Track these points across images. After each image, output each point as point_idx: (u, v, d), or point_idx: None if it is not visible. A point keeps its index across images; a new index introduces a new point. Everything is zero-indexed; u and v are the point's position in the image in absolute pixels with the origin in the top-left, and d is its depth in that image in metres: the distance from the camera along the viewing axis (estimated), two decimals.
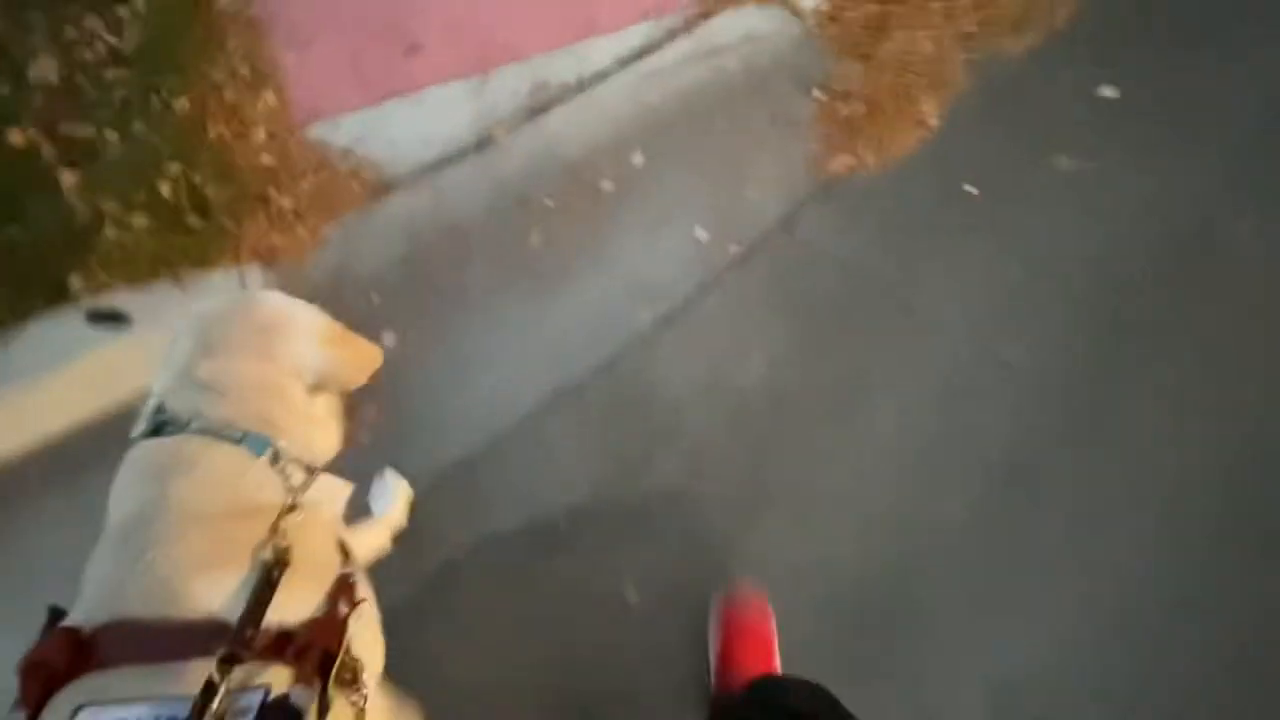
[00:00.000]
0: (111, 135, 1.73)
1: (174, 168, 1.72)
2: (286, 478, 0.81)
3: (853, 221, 1.80)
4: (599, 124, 1.92)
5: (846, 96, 1.91)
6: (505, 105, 1.95)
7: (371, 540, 1.27)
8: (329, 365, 0.91)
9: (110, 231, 1.65)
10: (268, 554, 0.72)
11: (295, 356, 0.88)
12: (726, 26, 2.06)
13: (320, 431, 0.91)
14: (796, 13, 2.07)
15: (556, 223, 1.80)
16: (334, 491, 0.90)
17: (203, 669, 0.60)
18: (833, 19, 2.05)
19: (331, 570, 0.81)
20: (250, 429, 0.81)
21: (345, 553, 0.87)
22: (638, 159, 1.90)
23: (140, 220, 1.67)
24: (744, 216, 1.79)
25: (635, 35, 2.06)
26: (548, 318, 1.71)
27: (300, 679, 0.67)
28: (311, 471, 0.85)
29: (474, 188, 1.85)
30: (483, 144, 1.91)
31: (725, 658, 1.33)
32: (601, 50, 2.04)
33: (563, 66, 2.01)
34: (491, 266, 1.76)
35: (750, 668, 1.30)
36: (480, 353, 1.68)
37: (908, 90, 1.92)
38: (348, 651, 0.73)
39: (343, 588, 0.79)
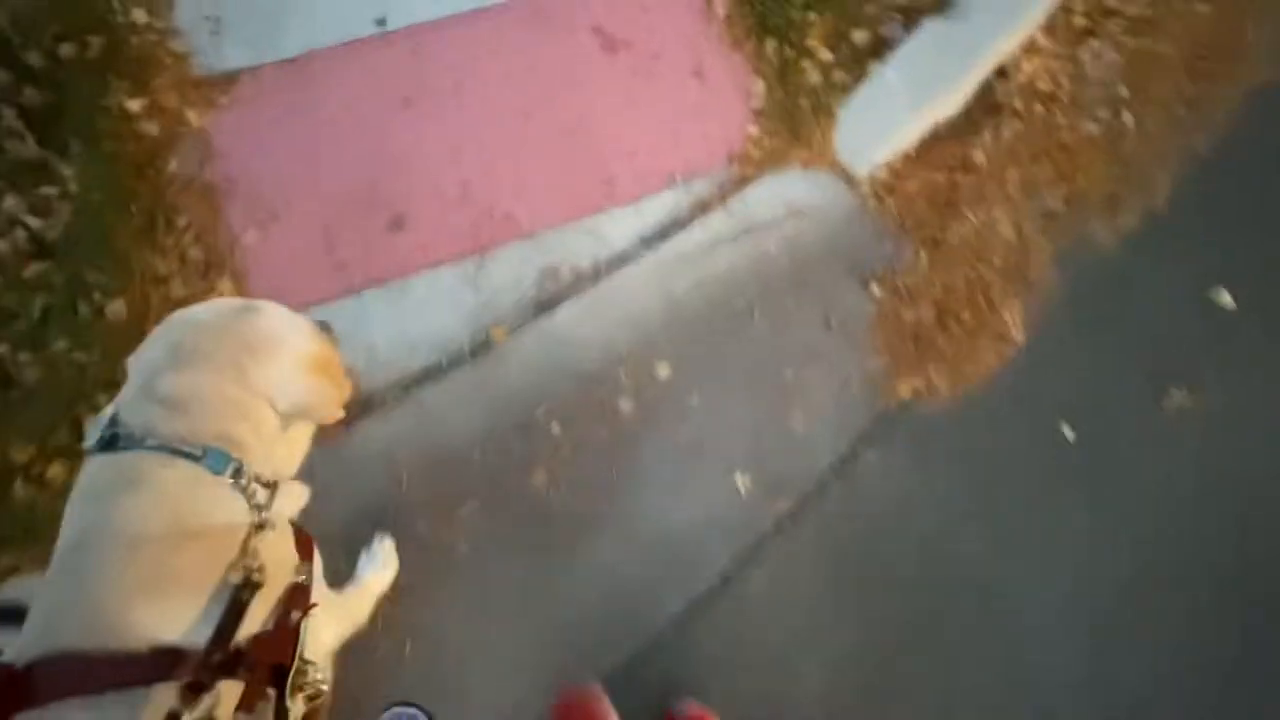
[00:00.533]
0: (26, 358, 1.43)
1: (104, 399, 1.43)
2: (251, 495, 0.78)
3: (920, 465, 1.51)
4: (617, 324, 1.63)
5: (911, 296, 1.62)
6: (506, 297, 1.65)
7: (353, 606, 1.24)
8: (307, 396, 0.84)
9: (20, 489, 1.36)
10: (237, 576, 0.72)
11: (272, 382, 0.82)
12: (767, 197, 1.76)
13: (285, 454, 0.86)
14: (849, 181, 1.77)
15: (565, 457, 1.50)
16: (293, 498, 0.87)
17: (161, 696, 0.62)
18: (891, 190, 1.75)
19: (286, 576, 0.80)
20: (210, 445, 0.76)
21: (302, 556, 0.85)
22: (663, 371, 1.60)
23: (59, 472, 1.38)
24: (791, 457, 1.49)
25: (660, 206, 1.76)
26: (552, 594, 1.41)
27: (251, 695, 0.68)
28: (273, 486, 0.81)
29: (467, 409, 1.55)
30: (478, 349, 1.61)
31: None
32: (621, 226, 1.74)
33: (575, 246, 1.71)
34: (486, 515, 1.47)
35: None
36: (469, 637, 1.39)
37: (984, 289, 1.63)
38: (301, 658, 0.75)
39: (296, 594, 0.79)
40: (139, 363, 0.82)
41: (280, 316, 0.88)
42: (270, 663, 0.70)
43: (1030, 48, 1.86)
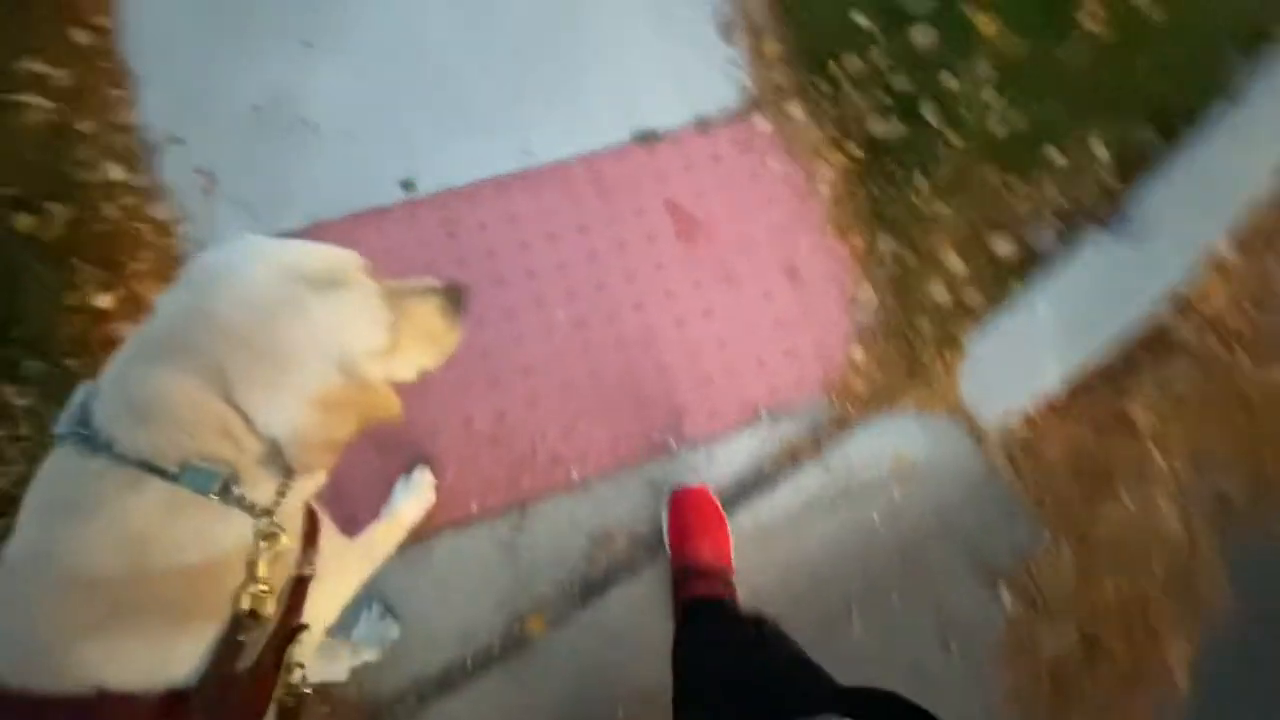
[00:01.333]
0: None
1: None
2: (251, 506, 0.65)
3: None
4: (666, 629, 1.31)
5: (1051, 613, 1.29)
6: (547, 572, 1.33)
7: (381, 541, 1.17)
8: (304, 434, 0.66)
9: None
10: (243, 604, 0.64)
11: (261, 407, 0.64)
12: (872, 448, 1.42)
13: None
14: (976, 435, 1.43)
15: None
16: (307, 486, 0.74)
17: None
18: (1029, 452, 1.41)
19: (288, 573, 0.71)
20: (190, 461, 0.63)
21: (308, 542, 0.76)
22: None
23: None
24: None
25: (738, 452, 1.42)
26: None
27: None
28: (286, 475, 0.68)
29: None
30: (511, 643, 1.29)
31: (678, 531, 1.31)
32: (689, 475, 1.42)
33: (633, 503, 1.38)
34: None
35: (703, 533, 1.30)
36: None
37: (1143, 609, 1.29)
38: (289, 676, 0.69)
39: (296, 592, 0.72)
40: (139, 331, 0.67)
41: (346, 309, 0.69)
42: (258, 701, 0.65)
43: (1213, 264, 1.49)
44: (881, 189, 1.52)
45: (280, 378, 0.65)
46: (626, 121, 1.61)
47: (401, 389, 0.80)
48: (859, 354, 1.48)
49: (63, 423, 0.65)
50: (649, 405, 1.45)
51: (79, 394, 0.67)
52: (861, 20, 1.59)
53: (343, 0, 1.63)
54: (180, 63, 1.59)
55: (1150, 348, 1.46)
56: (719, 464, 1.42)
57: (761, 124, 1.61)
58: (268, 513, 0.66)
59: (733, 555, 1.34)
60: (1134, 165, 1.51)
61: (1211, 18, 1.61)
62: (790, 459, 1.43)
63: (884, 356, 1.46)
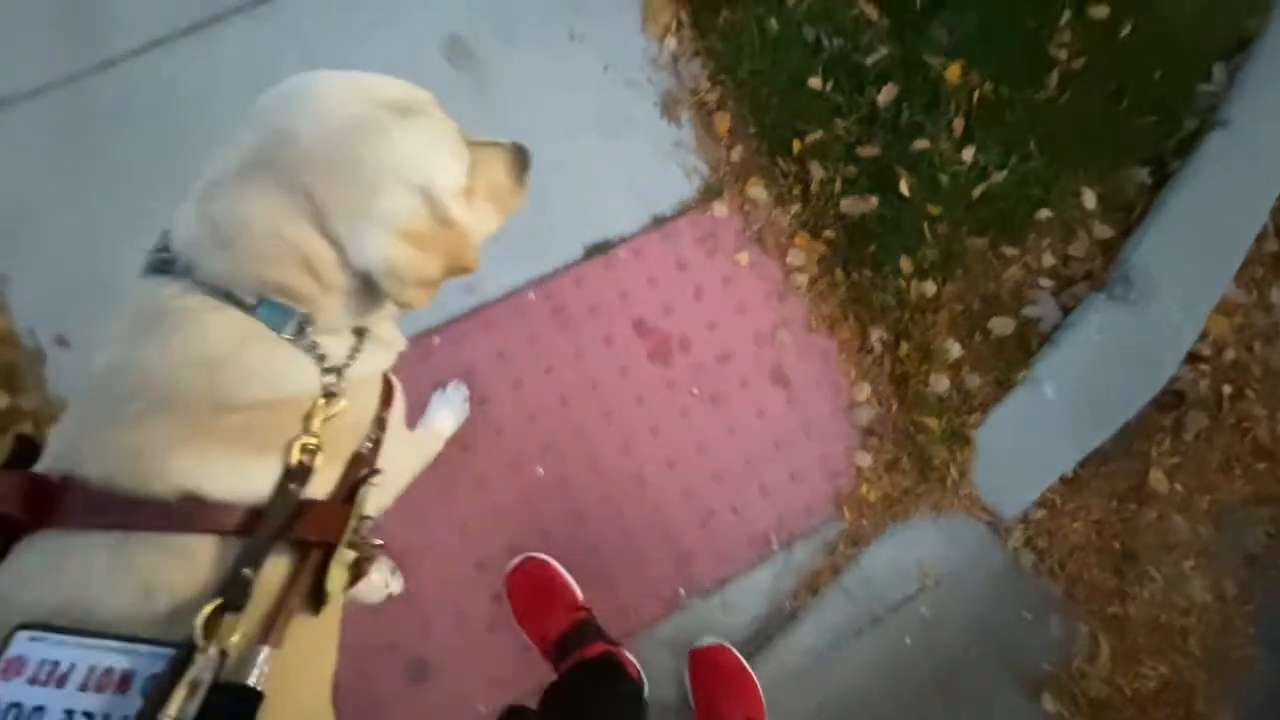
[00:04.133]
0: None
1: None
2: (321, 357, 0.64)
3: None
4: None
5: (1095, 713, 1.25)
6: None
7: (422, 446, 1.18)
8: (392, 267, 0.63)
9: None
10: (292, 456, 0.62)
11: (352, 233, 0.61)
12: (892, 562, 1.32)
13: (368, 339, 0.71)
14: (996, 528, 1.34)
15: None
16: (383, 350, 0.73)
17: (202, 551, 0.56)
18: (1051, 537, 1.33)
19: (358, 441, 0.70)
20: (268, 296, 0.62)
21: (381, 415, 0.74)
22: None
23: None
24: None
25: (754, 593, 1.32)
26: None
27: (297, 580, 0.60)
28: (359, 335, 0.69)
29: None
30: None
31: (706, 700, 1.25)
32: (706, 628, 1.33)
33: (645, 671, 1.30)
34: None
35: (732, 697, 1.24)
36: None
37: (1186, 696, 1.24)
38: (358, 516, 0.66)
39: (358, 462, 0.69)
40: (217, 155, 0.63)
41: (427, 138, 0.65)
42: (319, 542, 0.62)
43: (1219, 306, 1.41)
44: (863, 274, 1.39)
45: (370, 204, 0.61)
46: (578, 235, 1.44)
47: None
48: (866, 461, 1.38)
49: (145, 261, 0.64)
50: (651, 560, 1.34)
51: (158, 241, 0.64)
52: (816, 84, 1.42)
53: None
54: (51, 253, 1.37)
55: (1161, 404, 1.39)
56: (735, 610, 1.33)
57: (723, 212, 1.46)
58: (336, 371, 0.65)
59: (765, 709, 1.27)
60: (1127, 211, 1.41)
61: (1186, 28, 1.48)
62: (809, 590, 1.34)
63: (892, 460, 1.37)
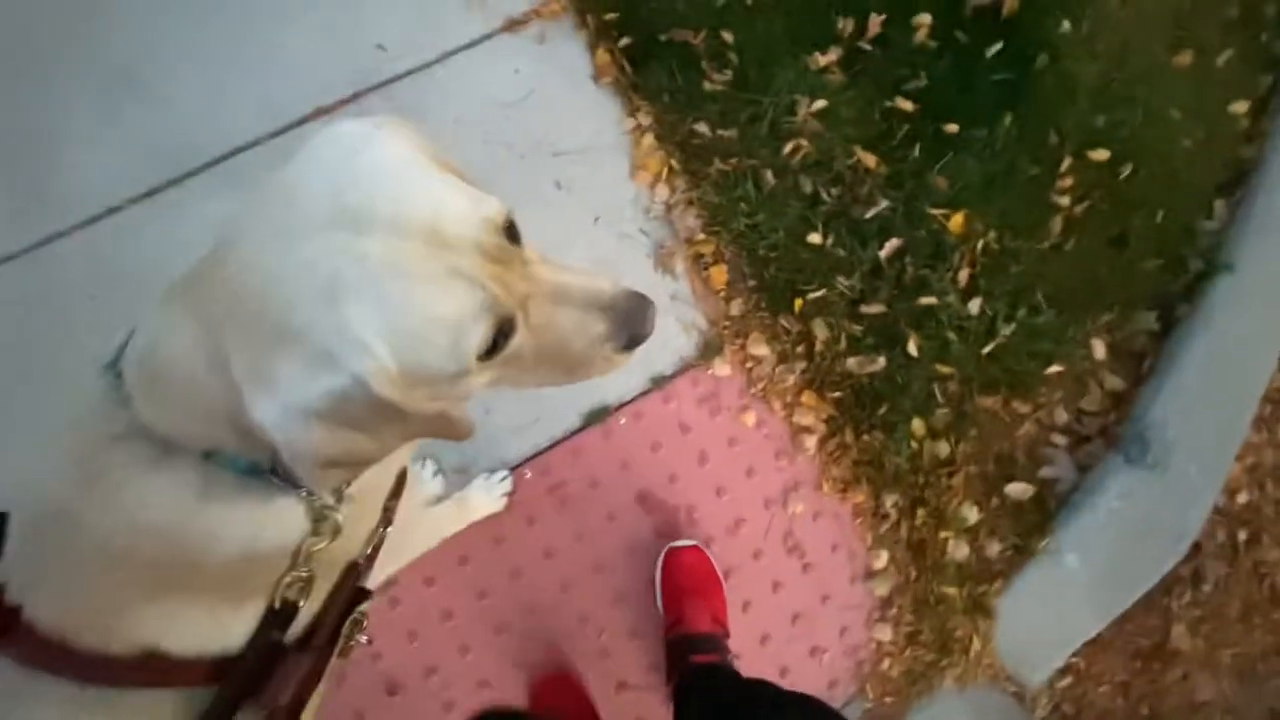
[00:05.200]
0: None
1: None
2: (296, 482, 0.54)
3: None
4: None
5: None
6: None
7: (447, 519, 1.17)
8: (297, 449, 0.49)
9: None
10: (284, 593, 0.57)
11: (246, 392, 0.47)
12: None
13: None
14: (1021, 697, 1.29)
15: None
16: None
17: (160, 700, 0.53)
18: (1079, 705, 1.30)
19: (355, 552, 0.64)
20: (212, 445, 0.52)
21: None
22: None
23: None
24: None
25: None
26: None
27: None
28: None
29: None
30: None
31: (672, 595, 1.26)
32: None
33: None
34: None
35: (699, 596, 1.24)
36: None
37: None
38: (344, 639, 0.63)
39: (348, 576, 0.62)
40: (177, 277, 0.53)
41: (400, 312, 0.46)
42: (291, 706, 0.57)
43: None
44: (874, 436, 1.34)
45: (270, 364, 0.46)
46: (573, 403, 1.37)
47: None
48: (886, 634, 1.32)
49: (108, 357, 0.55)
50: None
51: (127, 338, 0.56)
52: (815, 238, 1.37)
53: None
54: None
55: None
56: None
57: (724, 370, 1.40)
58: (328, 502, 0.57)
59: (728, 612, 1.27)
60: (1138, 360, 1.38)
61: (1184, 163, 1.46)
62: None
63: (913, 632, 1.32)
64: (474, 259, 0.48)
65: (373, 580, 0.71)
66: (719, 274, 1.42)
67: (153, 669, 0.53)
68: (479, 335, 0.49)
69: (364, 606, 0.66)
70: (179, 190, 1.39)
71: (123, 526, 0.52)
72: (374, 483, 0.65)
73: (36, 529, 0.54)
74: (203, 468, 0.52)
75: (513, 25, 1.49)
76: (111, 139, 1.39)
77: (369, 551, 0.66)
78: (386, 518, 0.68)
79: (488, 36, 1.48)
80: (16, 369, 1.29)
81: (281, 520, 0.56)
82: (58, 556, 0.53)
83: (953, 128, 1.39)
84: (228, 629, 0.56)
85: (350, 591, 0.64)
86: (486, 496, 1.27)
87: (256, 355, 0.46)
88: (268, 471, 0.53)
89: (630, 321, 0.57)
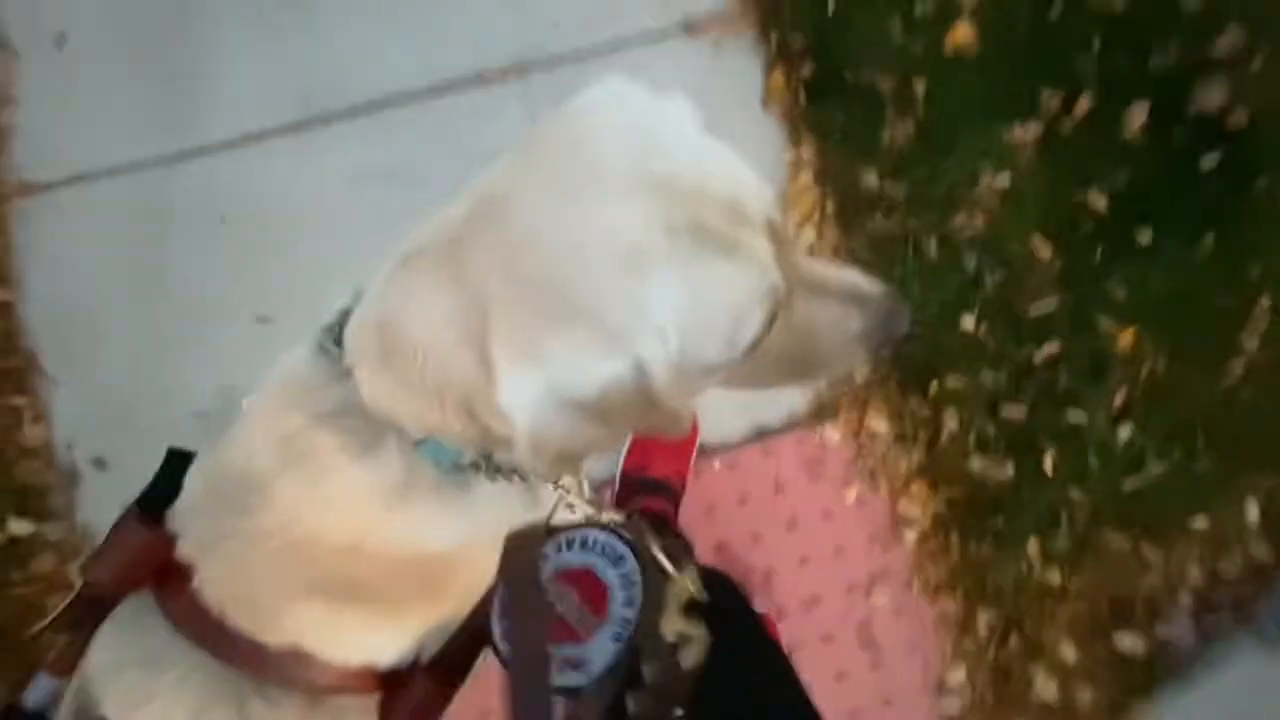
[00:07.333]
0: None
1: None
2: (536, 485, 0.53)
3: None
4: None
5: None
6: None
7: None
8: (541, 438, 0.45)
9: None
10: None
11: (507, 370, 0.43)
12: None
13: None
14: None
15: None
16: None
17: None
18: None
19: None
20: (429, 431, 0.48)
21: None
22: None
23: None
24: None
25: None
26: None
27: None
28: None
29: None
30: None
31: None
32: None
33: None
34: None
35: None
36: None
37: None
38: None
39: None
40: (429, 223, 0.48)
41: (704, 291, 0.44)
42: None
43: None
44: (981, 547, 1.25)
45: (543, 343, 0.43)
46: None
47: None
48: None
49: (308, 344, 0.53)
50: None
51: (334, 316, 0.54)
52: (968, 323, 1.27)
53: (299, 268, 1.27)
54: (102, 360, 1.25)
55: None
56: None
57: (834, 437, 1.31)
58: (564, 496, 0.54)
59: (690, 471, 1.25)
60: None
61: None
62: None
63: None
64: (764, 240, 0.45)
65: None
66: None
67: (301, 665, 0.52)
68: (756, 323, 0.45)
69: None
70: (323, 131, 1.37)
71: (314, 516, 0.51)
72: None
73: (225, 488, 0.53)
74: (408, 458, 0.49)
75: (692, 29, 1.41)
76: (268, 65, 1.38)
77: None
78: None
79: (664, 35, 1.41)
80: (152, 280, 1.29)
81: (491, 515, 0.52)
82: (240, 527, 0.52)
83: (1145, 237, 1.26)
84: (381, 640, 0.55)
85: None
86: None
87: (527, 329, 0.42)
88: (469, 466, 0.51)
89: (890, 320, 0.52)
